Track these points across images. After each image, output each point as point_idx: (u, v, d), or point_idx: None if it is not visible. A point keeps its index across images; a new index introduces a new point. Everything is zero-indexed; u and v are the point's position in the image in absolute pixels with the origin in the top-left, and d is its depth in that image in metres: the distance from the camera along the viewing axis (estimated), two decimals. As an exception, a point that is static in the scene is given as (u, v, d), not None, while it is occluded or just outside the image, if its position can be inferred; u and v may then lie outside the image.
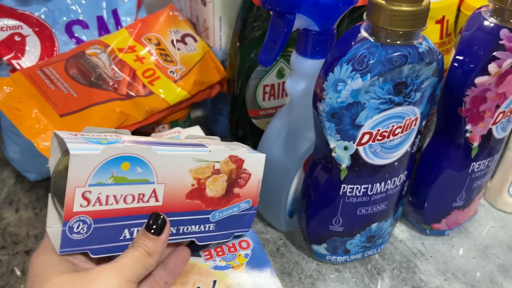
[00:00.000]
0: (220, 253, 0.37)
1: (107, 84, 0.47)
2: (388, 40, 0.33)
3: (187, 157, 0.34)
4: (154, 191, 0.32)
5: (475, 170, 0.45)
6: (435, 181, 0.46)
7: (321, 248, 0.46)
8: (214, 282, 0.35)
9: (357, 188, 0.41)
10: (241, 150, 0.37)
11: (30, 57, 0.51)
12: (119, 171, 0.30)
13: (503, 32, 0.37)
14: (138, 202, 0.32)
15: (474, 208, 0.51)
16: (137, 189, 0.31)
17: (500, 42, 0.37)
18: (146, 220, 0.32)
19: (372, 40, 0.34)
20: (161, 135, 0.49)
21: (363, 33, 0.35)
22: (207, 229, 0.35)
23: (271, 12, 0.40)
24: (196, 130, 0.50)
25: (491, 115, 0.41)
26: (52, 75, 0.46)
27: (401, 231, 0.52)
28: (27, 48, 0.51)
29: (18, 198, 0.58)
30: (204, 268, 0.36)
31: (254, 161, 0.37)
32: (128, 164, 0.31)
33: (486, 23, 0.39)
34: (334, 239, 0.45)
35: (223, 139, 0.46)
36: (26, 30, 0.51)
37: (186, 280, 0.35)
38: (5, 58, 0.49)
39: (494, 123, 0.42)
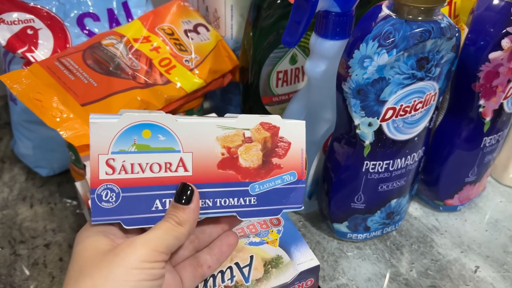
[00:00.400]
0: (253, 230, 0.38)
1: (126, 73, 0.47)
2: (411, 17, 0.35)
3: (211, 125, 0.32)
4: (181, 159, 0.31)
5: (487, 145, 0.47)
6: (449, 157, 0.48)
7: (343, 227, 0.47)
8: (251, 257, 0.36)
9: (379, 164, 0.42)
10: (274, 117, 0.34)
11: (44, 50, 0.51)
12: (141, 139, 0.30)
13: (515, 8, 0.39)
14: (165, 171, 0.31)
15: (483, 184, 0.53)
16: (162, 158, 0.31)
17: (512, 18, 0.39)
18: None
19: (396, 17, 0.35)
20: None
21: (386, 11, 0.36)
22: (247, 203, 0.32)
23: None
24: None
25: (503, 90, 0.43)
26: (70, 66, 0.46)
27: (414, 208, 0.53)
28: (40, 41, 0.51)
29: (31, 194, 0.58)
30: (240, 245, 0.37)
31: (291, 129, 0.34)
32: (149, 131, 0.31)
33: (496, 1, 0.41)
34: (356, 216, 0.46)
35: None
36: (38, 23, 0.51)
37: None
38: (19, 51, 0.49)
39: (506, 97, 0.44)
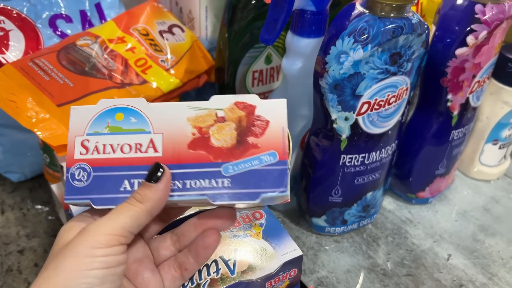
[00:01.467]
0: (236, 224, 0.39)
1: (102, 73, 0.47)
2: (384, 13, 0.37)
3: (183, 106, 0.32)
4: (151, 141, 0.31)
5: (455, 138, 0.49)
6: (420, 150, 0.50)
7: (321, 221, 0.48)
8: (235, 250, 0.36)
9: (355, 157, 0.43)
10: (250, 96, 0.32)
11: (15, 52, 0.50)
12: (114, 122, 0.32)
13: (478, 7, 0.41)
14: (136, 152, 0.31)
15: (452, 177, 0.56)
16: (133, 139, 0.31)
17: (476, 16, 0.41)
18: (146, 172, 0.30)
19: (370, 14, 0.37)
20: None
21: (360, 8, 0.38)
22: (220, 185, 0.30)
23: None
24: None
25: (469, 84, 0.45)
26: (45, 66, 0.45)
27: (388, 202, 0.55)
28: (10, 42, 0.50)
29: (2, 200, 0.57)
30: (224, 239, 0.37)
31: (270, 107, 0.32)
32: (122, 114, 0.32)
33: (460, 1, 0.43)
34: (333, 210, 0.47)
35: None
36: (9, 24, 0.50)
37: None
38: (-11, 53, 0.48)
39: (471, 92, 0.46)
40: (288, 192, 0.30)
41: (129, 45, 0.51)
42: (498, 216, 0.54)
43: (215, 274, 0.34)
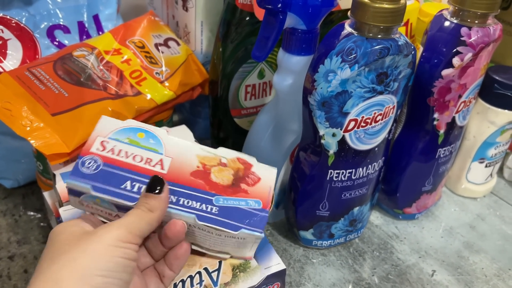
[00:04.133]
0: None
1: (97, 84, 0.48)
2: (371, 34, 0.38)
3: (195, 145, 0.38)
4: (161, 160, 0.36)
5: (441, 155, 0.50)
6: (407, 167, 0.51)
7: (308, 234, 0.49)
8: (220, 262, 0.37)
9: (342, 173, 0.44)
10: (251, 157, 0.39)
11: (12, 61, 0.51)
12: (134, 137, 0.36)
13: (464, 30, 0.43)
14: (145, 163, 0.35)
15: (439, 193, 0.57)
16: (146, 154, 0.36)
17: (461, 38, 0.43)
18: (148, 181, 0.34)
19: (358, 35, 0.38)
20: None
21: (348, 29, 0.39)
22: (209, 210, 0.34)
23: (257, 15, 0.43)
24: (183, 129, 0.52)
25: (455, 104, 0.46)
26: (41, 76, 0.46)
27: (375, 217, 0.56)
28: (8, 51, 0.51)
29: (-5, 206, 0.57)
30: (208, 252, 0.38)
31: (264, 171, 0.38)
32: (143, 134, 0.37)
33: (447, 23, 0.44)
34: (321, 223, 0.48)
35: (202, 141, 0.48)
36: (7, 33, 0.51)
37: (193, 263, 0.37)
38: (-13, 61, 0.49)
39: (457, 111, 0.47)
40: (263, 235, 0.35)
41: (125, 57, 0.52)
42: (483, 233, 0.55)
43: (198, 285, 0.35)
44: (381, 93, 0.40)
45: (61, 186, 0.42)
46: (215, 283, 0.35)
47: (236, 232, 0.34)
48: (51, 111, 0.45)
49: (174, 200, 0.34)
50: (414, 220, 0.56)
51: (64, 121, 0.44)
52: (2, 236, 0.53)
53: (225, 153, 0.38)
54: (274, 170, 0.38)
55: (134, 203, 0.33)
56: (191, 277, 0.35)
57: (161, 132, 0.37)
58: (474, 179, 0.58)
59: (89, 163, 0.34)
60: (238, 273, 0.37)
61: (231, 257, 0.38)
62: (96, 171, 0.33)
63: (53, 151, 0.42)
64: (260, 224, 0.34)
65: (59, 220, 0.44)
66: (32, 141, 0.42)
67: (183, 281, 0.35)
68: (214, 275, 0.36)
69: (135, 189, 0.33)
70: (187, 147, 0.37)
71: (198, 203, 0.34)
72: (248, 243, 0.35)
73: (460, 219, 0.57)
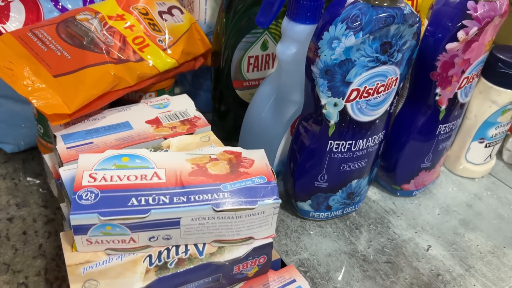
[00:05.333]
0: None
1: (99, 48, 0.48)
2: (377, 2, 0.38)
3: (180, 154, 0.39)
4: (155, 173, 0.36)
5: (442, 132, 0.50)
6: (407, 143, 0.51)
7: (306, 205, 0.49)
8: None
9: (342, 144, 0.45)
10: (236, 147, 0.40)
11: (15, 23, 0.50)
12: (120, 162, 0.37)
13: (470, 4, 0.43)
14: (141, 179, 0.35)
15: (437, 172, 0.57)
16: (139, 172, 0.36)
17: (467, 12, 0.42)
18: (152, 192, 0.34)
19: (363, 2, 0.38)
20: (150, 102, 0.50)
21: (354, -3, 0.39)
22: (221, 197, 0.34)
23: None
24: (184, 98, 0.52)
25: (458, 80, 0.46)
26: (43, 37, 0.46)
27: (373, 193, 0.56)
28: (11, 13, 0.50)
29: (-6, 169, 0.57)
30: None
31: (253, 154, 0.39)
32: (128, 158, 0.37)
33: (453, -3, 0.44)
34: (318, 195, 0.48)
35: (204, 114, 0.48)
36: (10, -5, 0.51)
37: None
38: (-11, 22, 0.49)
39: (459, 87, 0.47)
40: (280, 201, 0.35)
41: (128, 23, 0.51)
42: (480, 212, 0.55)
43: (183, 254, 0.34)
44: (384, 63, 0.40)
45: (61, 146, 0.42)
46: (200, 253, 0.35)
47: (255, 206, 0.34)
48: (53, 72, 0.45)
49: (185, 200, 0.34)
50: (412, 197, 0.56)
51: (66, 83, 0.44)
52: (2, 199, 0.53)
53: (212, 151, 0.39)
54: (262, 151, 0.39)
55: (147, 215, 0.32)
56: (177, 246, 0.35)
57: (144, 151, 0.38)
58: (473, 159, 0.59)
59: (86, 195, 0.33)
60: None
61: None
62: (96, 200, 0.33)
63: (54, 111, 0.42)
64: (274, 193, 0.35)
65: (59, 181, 0.44)
66: (33, 101, 0.42)
67: (168, 249, 0.35)
68: (200, 245, 0.36)
69: (142, 203, 0.33)
70: (174, 156, 0.38)
71: (209, 195, 0.34)
72: (268, 217, 0.35)
73: (457, 198, 0.57)
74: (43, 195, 0.54)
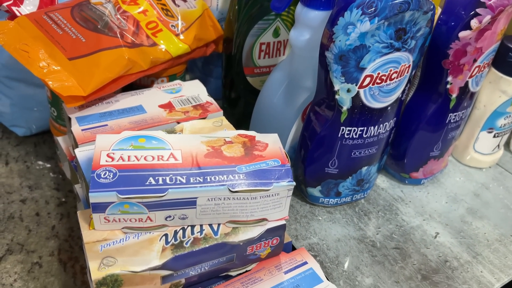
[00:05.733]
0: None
1: (114, 32, 0.48)
2: (393, -11, 0.38)
3: (196, 136, 0.39)
4: (171, 154, 0.37)
5: (451, 121, 0.51)
6: (417, 131, 0.51)
7: (316, 191, 0.50)
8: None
9: (354, 130, 0.45)
10: (249, 131, 0.40)
11: (30, 6, 0.51)
12: (137, 143, 0.37)
13: (484, -8, 0.43)
14: (158, 160, 0.36)
15: (445, 161, 0.57)
16: (155, 152, 0.36)
17: (481, 0, 0.43)
18: (169, 172, 0.34)
19: (379, -12, 0.38)
20: (163, 86, 0.51)
21: (370, -17, 0.39)
22: (237, 178, 0.35)
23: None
24: (196, 84, 0.52)
25: (469, 68, 0.47)
26: (59, 20, 0.46)
27: (382, 181, 0.57)
28: (25, -4, 0.51)
29: (7, 152, 0.58)
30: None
31: (267, 138, 0.39)
32: (144, 139, 0.38)
33: (467, -15, 0.44)
34: (329, 181, 0.49)
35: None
36: (25, -22, 0.51)
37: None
38: (4, 4, 0.49)
39: (471, 76, 0.48)
40: (294, 183, 0.36)
41: (142, 8, 0.52)
42: (487, 201, 0.55)
43: (199, 233, 0.35)
44: (398, 49, 0.40)
45: (76, 128, 0.43)
46: (215, 233, 0.35)
47: (269, 188, 0.34)
48: (68, 55, 0.45)
49: (201, 180, 0.34)
50: (420, 185, 0.56)
51: (81, 66, 0.45)
52: (14, 181, 0.54)
53: (226, 134, 0.40)
54: (275, 135, 0.40)
55: (164, 194, 0.33)
56: (192, 226, 0.36)
57: (160, 133, 0.39)
58: (481, 149, 0.59)
59: (105, 174, 0.34)
60: None
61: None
62: (114, 179, 0.33)
63: (70, 93, 0.43)
64: (288, 175, 0.36)
65: (73, 163, 0.45)
66: (49, 83, 0.42)
67: (183, 229, 0.35)
68: (215, 225, 0.36)
69: (160, 182, 0.34)
70: (189, 138, 0.38)
71: (224, 176, 0.35)
72: (282, 199, 0.36)
73: (465, 187, 0.57)
74: (54, 178, 0.55)
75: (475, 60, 0.46)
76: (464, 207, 0.54)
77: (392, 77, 0.42)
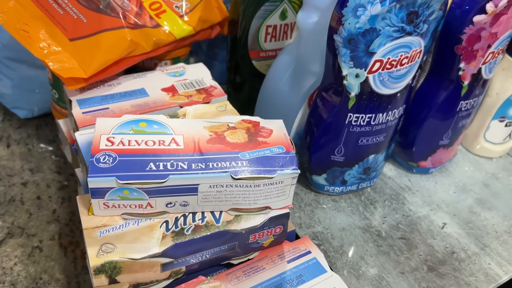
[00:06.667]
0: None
1: (116, 13, 0.47)
2: (406, -30, 0.36)
3: (198, 121, 0.38)
4: (173, 139, 0.36)
5: (462, 109, 0.49)
6: (427, 119, 0.50)
7: (321, 179, 0.49)
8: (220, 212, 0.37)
9: (362, 117, 0.44)
10: (254, 117, 0.39)
11: (30, -15, 0.49)
12: (137, 127, 0.36)
13: (501, -26, 0.41)
14: (159, 145, 0.35)
15: (455, 150, 0.56)
16: (156, 137, 0.35)
17: (498, -17, 0.41)
18: (170, 158, 0.33)
19: (391, -31, 0.36)
20: (166, 69, 0.50)
21: (382, -37, 0.37)
22: (240, 165, 0.34)
23: None
24: (200, 67, 0.51)
25: (483, 54, 0.45)
26: (60, 0, 0.45)
27: (389, 169, 0.56)
28: (26, -25, 0.49)
29: (8, 135, 0.57)
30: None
31: (272, 124, 0.38)
32: (145, 123, 0.37)
33: (484, -33, 0.42)
34: (334, 169, 0.48)
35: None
36: (25, -44, 0.49)
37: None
38: (4, -17, 0.48)
39: (484, 62, 0.46)
40: (299, 171, 0.34)
41: (145, -12, 0.50)
42: (497, 192, 0.54)
43: (200, 221, 0.34)
44: (409, 34, 0.39)
45: (76, 111, 0.42)
46: (217, 220, 0.35)
47: (273, 175, 0.33)
48: (69, 36, 0.44)
49: (203, 167, 0.33)
50: (428, 175, 0.55)
51: (82, 47, 0.43)
52: (16, 164, 0.53)
53: (230, 119, 0.38)
54: (280, 121, 0.39)
55: (165, 180, 0.32)
56: (194, 213, 0.35)
57: (161, 117, 0.38)
58: (492, 138, 0.57)
59: (104, 158, 0.33)
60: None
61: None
62: (114, 164, 0.32)
63: (70, 75, 0.41)
64: (293, 163, 0.35)
65: (74, 147, 0.44)
66: (49, 64, 0.41)
67: (185, 216, 0.34)
68: (217, 213, 0.35)
69: (160, 168, 0.33)
70: (192, 123, 0.37)
71: (227, 162, 0.34)
72: (285, 187, 0.35)
73: (474, 177, 0.56)
74: (56, 161, 0.54)
75: (489, 46, 0.45)
76: (473, 197, 0.53)
77: (403, 62, 0.41)
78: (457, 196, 0.53)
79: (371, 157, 0.48)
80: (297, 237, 0.42)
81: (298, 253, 0.38)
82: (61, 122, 0.48)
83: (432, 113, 0.49)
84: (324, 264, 0.37)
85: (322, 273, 0.36)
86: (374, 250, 0.45)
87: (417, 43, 0.40)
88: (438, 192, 0.53)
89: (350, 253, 0.45)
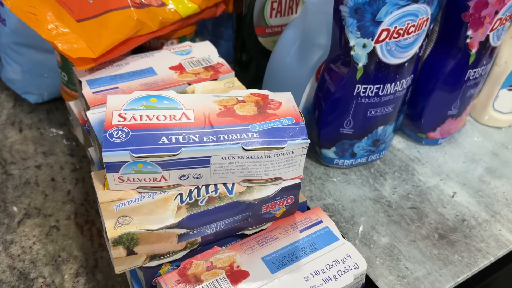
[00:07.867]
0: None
1: (121, -7, 0.47)
2: None
3: (207, 96, 0.39)
4: (183, 113, 0.36)
5: (471, 77, 0.49)
6: (435, 89, 0.50)
7: (330, 152, 0.49)
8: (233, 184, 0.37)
9: (370, 88, 0.44)
10: (262, 90, 0.39)
11: (35, -32, 0.50)
12: (148, 103, 0.37)
13: None
14: (171, 119, 0.35)
15: (463, 120, 0.56)
16: (167, 112, 0.36)
17: None
18: (182, 131, 0.34)
19: None
20: (173, 48, 0.50)
21: None
22: (250, 136, 0.34)
23: None
24: (207, 45, 0.51)
25: (490, 21, 0.45)
26: (65, -19, 0.45)
27: (398, 141, 0.56)
28: (30, -42, 0.49)
29: (20, 120, 0.58)
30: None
31: (280, 96, 0.39)
32: (156, 99, 0.37)
33: None
34: (343, 142, 0.48)
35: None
36: None
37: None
38: (10, -33, 0.48)
39: (492, 29, 0.46)
40: (309, 141, 0.35)
41: (149, -33, 0.50)
42: (506, 160, 0.54)
43: (213, 192, 0.35)
44: (416, 1, 0.39)
45: (87, 91, 0.42)
46: (230, 192, 0.35)
47: (284, 145, 0.34)
48: (76, 17, 0.44)
49: (215, 139, 0.34)
50: (437, 145, 0.55)
51: (89, 28, 0.44)
52: (29, 147, 0.54)
53: (238, 93, 0.39)
54: (289, 93, 0.39)
55: (178, 152, 0.32)
56: (207, 185, 0.35)
57: (171, 92, 0.38)
58: (501, 107, 0.57)
59: (117, 133, 0.33)
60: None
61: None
62: (127, 138, 0.33)
63: (79, 55, 0.42)
64: (303, 133, 0.35)
65: (85, 127, 0.45)
66: (58, 45, 0.42)
67: (198, 188, 0.35)
68: (230, 184, 0.36)
69: (173, 141, 0.33)
70: (201, 98, 0.38)
71: (238, 134, 0.34)
72: (296, 158, 0.35)
73: (484, 146, 0.56)
74: (68, 144, 0.55)
75: (496, 12, 0.44)
76: (483, 166, 0.53)
77: (410, 31, 0.41)
78: (467, 166, 0.53)
79: (380, 128, 0.48)
80: (308, 209, 0.43)
81: (310, 223, 0.38)
82: (72, 104, 0.48)
83: (440, 83, 0.49)
84: (336, 232, 0.38)
85: (334, 241, 0.37)
86: (385, 220, 0.46)
87: (423, 11, 0.40)
88: (447, 162, 0.53)
89: (361, 224, 0.45)
